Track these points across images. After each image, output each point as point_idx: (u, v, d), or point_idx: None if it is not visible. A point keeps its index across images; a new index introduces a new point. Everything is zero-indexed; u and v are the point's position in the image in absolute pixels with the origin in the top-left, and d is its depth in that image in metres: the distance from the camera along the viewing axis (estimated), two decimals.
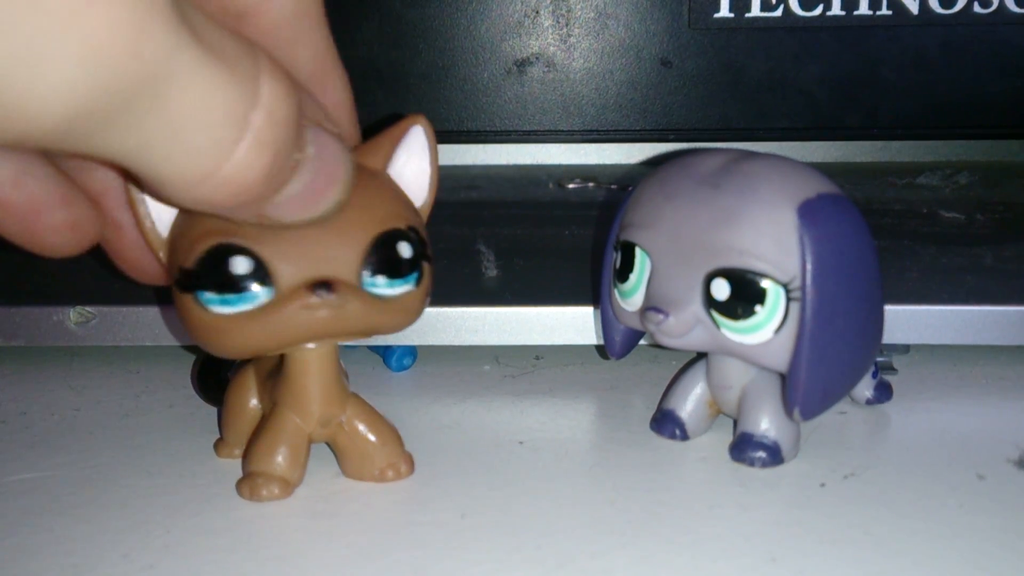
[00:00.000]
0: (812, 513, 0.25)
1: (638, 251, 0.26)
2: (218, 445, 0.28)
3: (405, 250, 0.24)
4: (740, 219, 0.25)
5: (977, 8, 0.48)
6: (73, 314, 0.33)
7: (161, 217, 0.24)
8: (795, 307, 0.24)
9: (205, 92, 0.17)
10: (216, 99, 0.18)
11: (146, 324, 0.33)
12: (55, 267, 0.37)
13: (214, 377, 0.29)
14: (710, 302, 0.25)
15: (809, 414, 0.25)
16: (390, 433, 0.27)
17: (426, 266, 0.25)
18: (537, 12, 0.50)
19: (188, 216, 0.24)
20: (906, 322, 0.31)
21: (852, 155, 0.52)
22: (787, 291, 0.24)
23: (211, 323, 0.23)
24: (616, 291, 0.28)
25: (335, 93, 0.25)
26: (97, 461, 0.28)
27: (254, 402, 0.27)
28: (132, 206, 0.24)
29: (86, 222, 0.23)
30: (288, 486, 0.26)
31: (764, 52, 0.50)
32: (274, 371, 0.26)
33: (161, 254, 0.24)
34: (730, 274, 0.25)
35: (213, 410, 0.31)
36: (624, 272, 0.27)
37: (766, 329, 0.25)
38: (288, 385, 0.25)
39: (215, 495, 0.26)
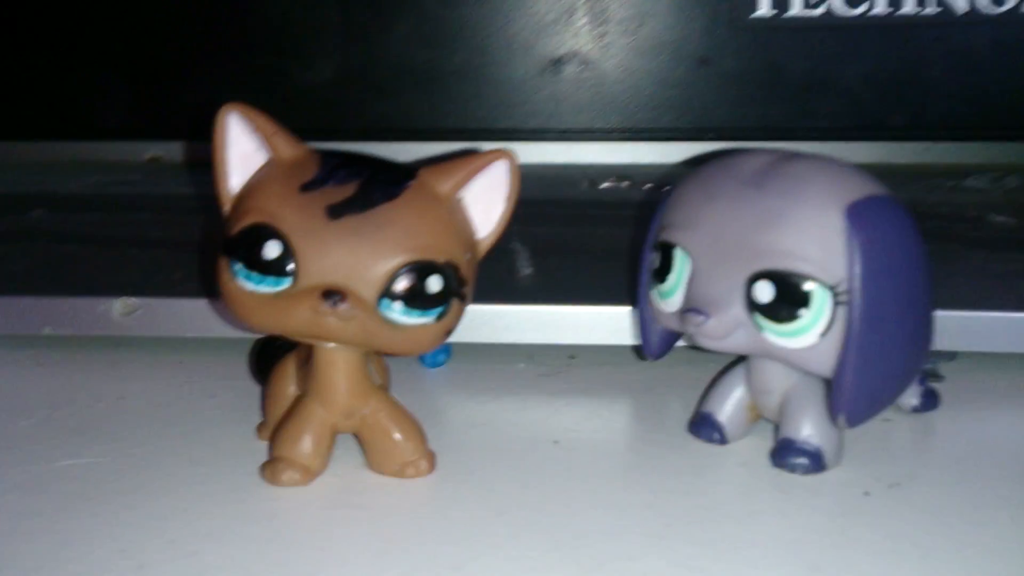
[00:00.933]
0: (856, 522, 0.24)
1: (678, 251, 0.26)
2: (260, 428, 0.29)
3: (434, 284, 0.24)
4: (785, 220, 0.24)
5: None
6: (119, 305, 0.33)
7: (237, 173, 0.25)
8: (842, 311, 0.24)
9: None
10: None
11: (189, 315, 0.33)
12: (102, 259, 0.38)
13: (269, 362, 0.30)
14: (752, 304, 0.25)
15: (855, 421, 0.25)
16: (412, 429, 0.27)
17: (455, 304, 0.25)
18: (573, 10, 0.50)
19: (251, 187, 0.25)
20: (953, 328, 0.30)
21: (896, 156, 0.51)
22: (834, 294, 0.24)
23: (234, 292, 0.24)
24: (654, 292, 0.27)
25: None
26: (142, 449, 0.28)
27: (293, 389, 0.28)
28: (215, 149, 0.25)
29: None
30: (309, 473, 0.26)
31: (805, 51, 0.49)
32: (307, 360, 0.27)
33: (226, 207, 0.25)
34: (774, 276, 0.24)
35: (254, 401, 0.31)
36: (663, 273, 0.27)
37: (811, 333, 0.24)
38: (315, 376, 0.26)
39: (256, 484, 0.26)
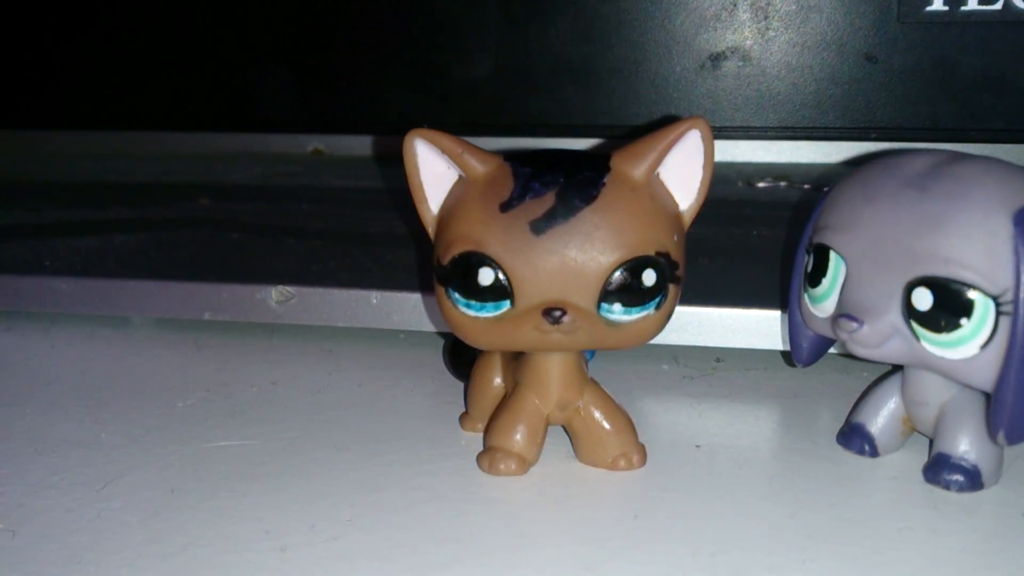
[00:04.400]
0: (1014, 544, 0.23)
1: (833, 255, 0.25)
2: (463, 419, 0.30)
3: (649, 278, 0.24)
4: (948, 225, 0.23)
5: None
6: (275, 293, 0.35)
7: (434, 195, 0.26)
8: (1005, 322, 0.23)
9: None
10: None
11: (340, 305, 0.34)
12: (262, 248, 0.39)
13: (464, 355, 0.30)
14: (910, 312, 0.24)
15: (1016, 438, 0.24)
16: (625, 422, 0.27)
17: (671, 289, 0.25)
18: (735, 5, 0.49)
19: (452, 210, 0.25)
20: None
21: None
22: (997, 304, 0.23)
23: (458, 319, 0.25)
24: (806, 296, 0.27)
25: None
26: (290, 433, 0.29)
27: (498, 380, 0.28)
28: (408, 176, 0.25)
29: None
30: (524, 463, 0.26)
31: (980, 48, 0.47)
32: (519, 352, 0.27)
33: (430, 229, 0.26)
34: (934, 283, 0.23)
35: (398, 391, 0.32)
36: (816, 276, 0.26)
37: (971, 344, 0.23)
38: (530, 368, 0.26)
39: (395, 473, 0.27)
